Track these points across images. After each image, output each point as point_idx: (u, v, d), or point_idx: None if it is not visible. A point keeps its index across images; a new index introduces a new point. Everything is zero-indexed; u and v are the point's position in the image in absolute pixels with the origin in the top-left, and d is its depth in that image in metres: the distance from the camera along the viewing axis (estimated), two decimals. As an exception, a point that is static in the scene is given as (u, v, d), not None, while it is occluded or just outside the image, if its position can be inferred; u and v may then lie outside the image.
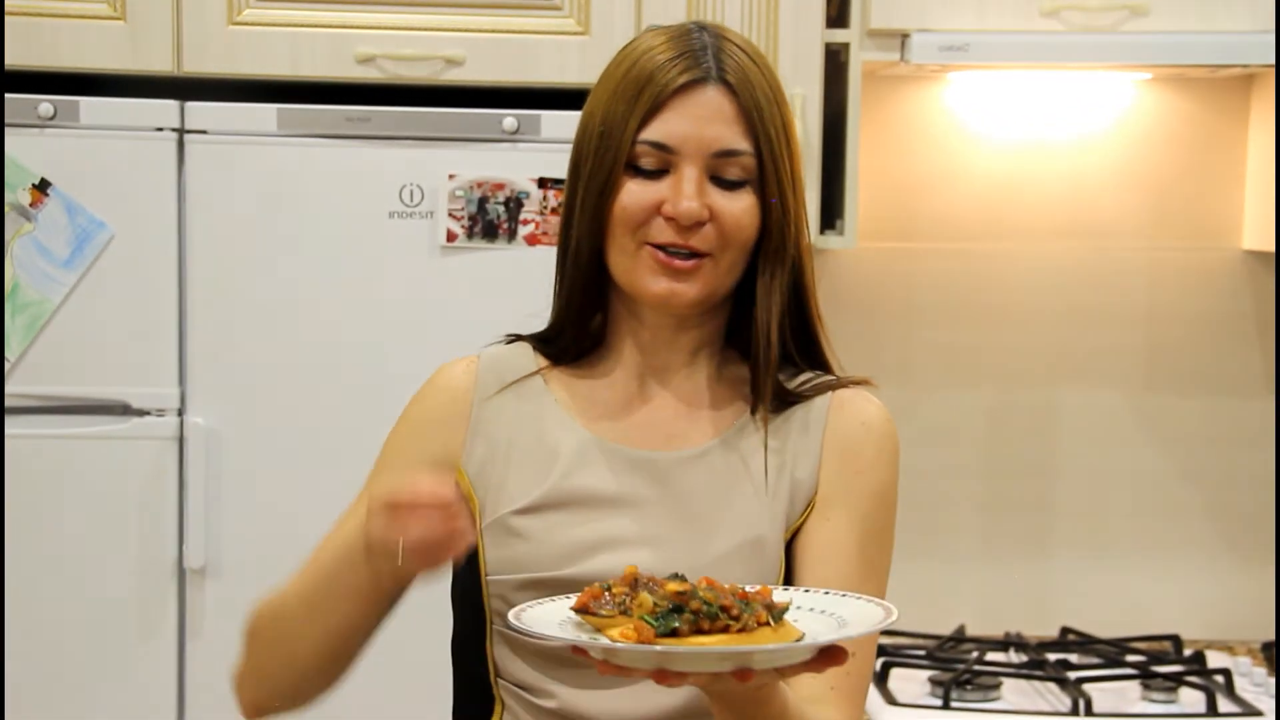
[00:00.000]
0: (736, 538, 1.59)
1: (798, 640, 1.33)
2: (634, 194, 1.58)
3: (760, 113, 1.58)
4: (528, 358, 1.69)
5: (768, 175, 1.58)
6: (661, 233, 1.57)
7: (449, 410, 1.66)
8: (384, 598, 1.57)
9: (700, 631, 1.30)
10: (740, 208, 1.58)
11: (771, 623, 1.32)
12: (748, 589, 1.36)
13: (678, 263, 1.57)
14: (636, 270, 1.59)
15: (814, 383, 1.66)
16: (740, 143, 1.58)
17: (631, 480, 1.61)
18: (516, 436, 1.64)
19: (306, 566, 1.62)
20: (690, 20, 1.67)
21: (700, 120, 1.57)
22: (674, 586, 1.32)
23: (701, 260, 1.58)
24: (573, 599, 1.38)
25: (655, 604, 1.31)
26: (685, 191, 1.56)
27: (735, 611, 1.31)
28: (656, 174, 1.58)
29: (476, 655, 1.64)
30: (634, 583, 1.36)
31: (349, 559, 1.54)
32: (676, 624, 1.30)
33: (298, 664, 1.64)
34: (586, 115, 1.63)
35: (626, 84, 1.59)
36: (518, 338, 1.72)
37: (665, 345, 1.65)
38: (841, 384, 1.66)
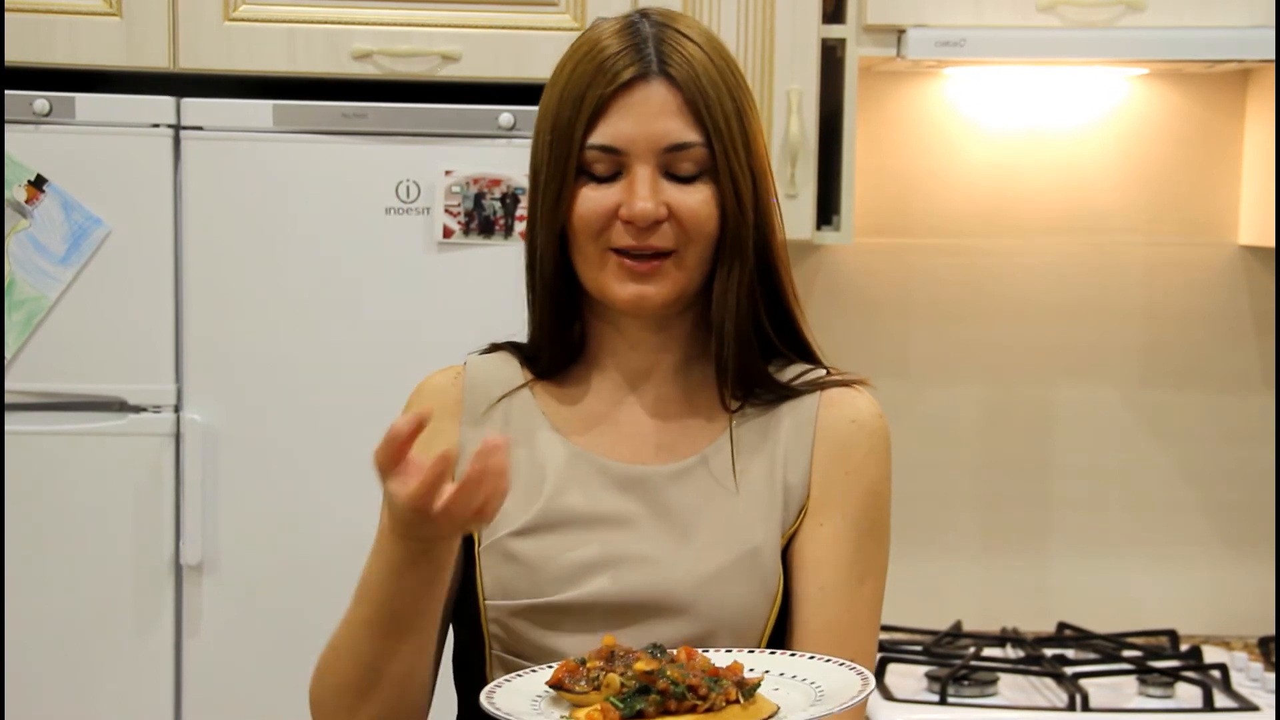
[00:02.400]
0: (733, 551, 1.57)
1: (770, 716, 1.32)
2: (589, 201, 1.55)
3: (706, 101, 1.54)
4: (513, 368, 1.67)
5: (720, 164, 1.55)
6: (621, 237, 1.55)
7: (438, 428, 1.62)
8: (444, 564, 1.48)
9: (667, 712, 1.30)
10: (697, 200, 1.55)
11: (741, 700, 1.31)
12: (719, 665, 1.35)
13: (640, 265, 1.55)
14: (603, 277, 1.57)
15: (805, 379, 1.64)
16: (689, 135, 1.54)
17: (622, 498, 1.59)
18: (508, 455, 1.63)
19: (355, 597, 1.53)
20: (635, 9, 1.63)
21: (645, 118, 1.54)
22: (642, 665, 1.32)
23: (664, 259, 1.56)
24: (549, 672, 1.38)
25: (622, 684, 1.31)
26: (639, 193, 1.54)
27: (703, 691, 1.30)
28: (610, 178, 1.56)
29: (476, 676, 1.62)
30: (610, 656, 1.36)
31: (388, 555, 1.48)
32: (641, 706, 1.29)
33: (396, 687, 1.53)
34: (539, 121, 1.61)
35: (570, 87, 1.56)
36: (499, 346, 1.70)
37: (644, 348, 1.63)
38: (834, 383, 1.64)
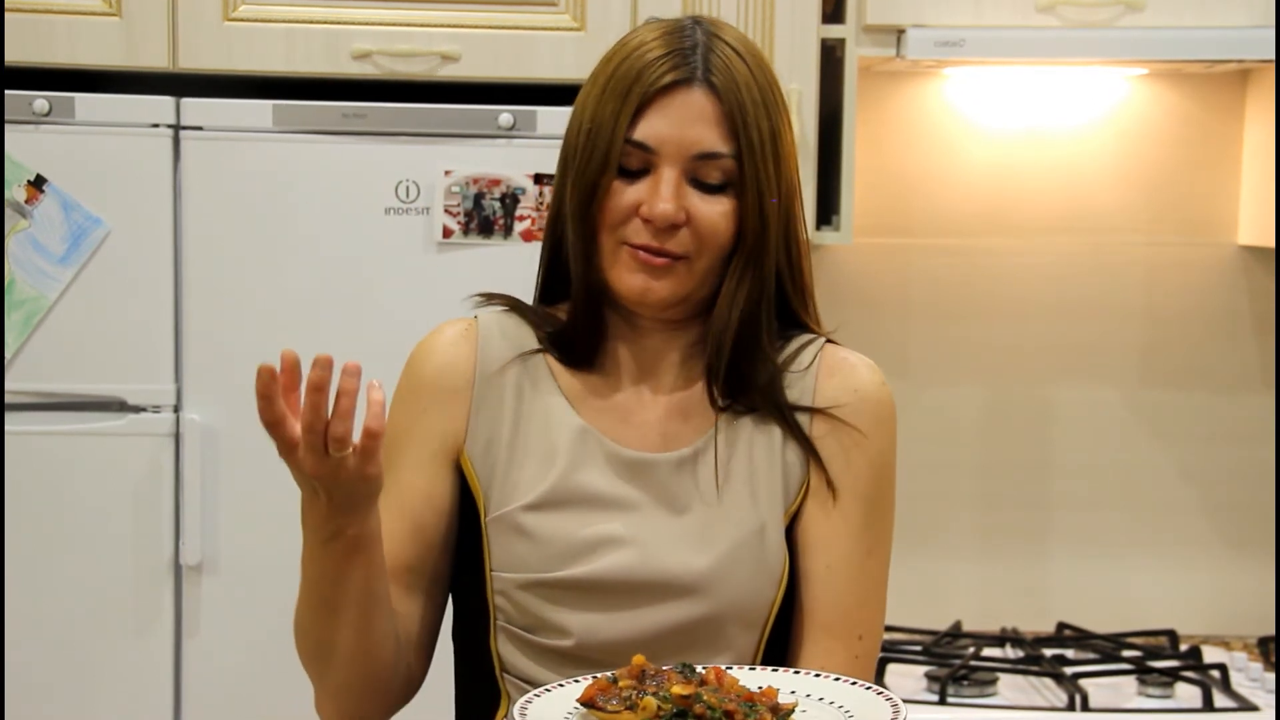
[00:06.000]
0: (737, 534, 1.58)
1: None
2: (614, 194, 1.57)
3: (743, 115, 1.56)
4: (525, 331, 1.67)
5: (747, 179, 1.56)
6: (638, 234, 1.56)
7: (451, 381, 1.64)
8: (359, 545, 1.50)
9: None
10: (718, 212, 1.57)
11: None
12: (751, 687, 1.35)
13: (652, 259, 1.56)
14: (614, 268, 1.58)
15: (802, 355, 1.63)
16: (721, 145, 1.56)
17: (628, 483, 1.61)
18: (520, 424, 1.63)
19: (301, 586, 1.58)
20: (688, 15, 1.65)
21: (682, 122, 1.55)
22: (679, 689, 1.32)
23: (676, 260, 1.57)
24: (580, 687, 1.38)
25: (659, 707, 1.31)
26: (662, 194, 1.55)
27: (738, 717, 1.31)
28: (638, 174, 1.57)
29: (480, 649, 1.63)
30: (641, 676, 1.36)
31: (307, 538, 1.51)
32: None
33: (349, 660, 1.56)
34: (577, 110, 1.62)
35: (615, 82, 1.57)
36: (514, 307, 1.69)
37: (653, 343, 1.65)
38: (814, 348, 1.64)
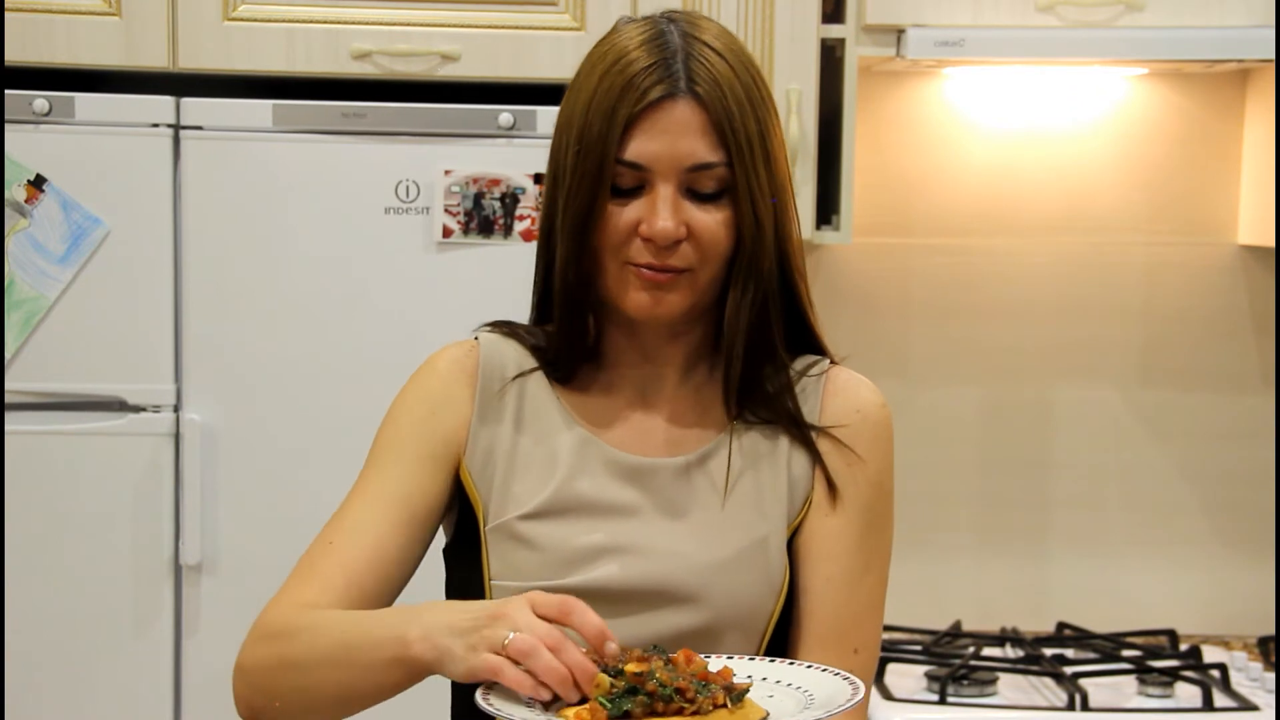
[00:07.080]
0: (739, 542, 1.58)
1: None
2: (611, 216, 1.56)
3: (730, 122, 1.55)
4: (524, 354, 1.68)
5: (740, 186, 1.56)
6: (640, 254, 1.56)
7: (453, 396, 1.64)
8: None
9: (654, 713, 1.32)
10: (716, 221, 1.56)
11: (729, 704, 1.33)
12: (711, 668, 1.36)
13: (657, 276, 1.56)
14: (619, 288, 1.58)
15: (809, 375, 1.65)
16: (711, 155, 1.55)
17: (630, 489, 1.60)
18: (520, 436, 1.63)
19: (354, 619, 1.54)
20: (662, 12, 1.62)
21: (671, 137, 1.54)
22: (633, 667, 1.34)
23: (680, 274, 1.57)
24: None
25: (611, 685, 1.32)
26: (660, 212, 1.54)
27: (690, 694, 1.32)
28: (630, 191, 1.56)
29: None
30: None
31: (391, 643, 1.45)
32: (628, 706, 1.31)
33: (311, 701, 1.56)
34: (562, 124, 1.61)
35: (599, 99, 1.56)
36: (511, 331, 1.71)
37: (656, 356, 1.65)
38: (822, 368, 1.65)
